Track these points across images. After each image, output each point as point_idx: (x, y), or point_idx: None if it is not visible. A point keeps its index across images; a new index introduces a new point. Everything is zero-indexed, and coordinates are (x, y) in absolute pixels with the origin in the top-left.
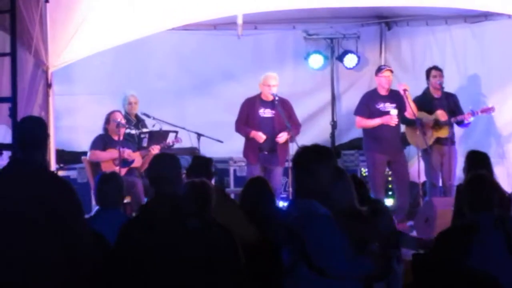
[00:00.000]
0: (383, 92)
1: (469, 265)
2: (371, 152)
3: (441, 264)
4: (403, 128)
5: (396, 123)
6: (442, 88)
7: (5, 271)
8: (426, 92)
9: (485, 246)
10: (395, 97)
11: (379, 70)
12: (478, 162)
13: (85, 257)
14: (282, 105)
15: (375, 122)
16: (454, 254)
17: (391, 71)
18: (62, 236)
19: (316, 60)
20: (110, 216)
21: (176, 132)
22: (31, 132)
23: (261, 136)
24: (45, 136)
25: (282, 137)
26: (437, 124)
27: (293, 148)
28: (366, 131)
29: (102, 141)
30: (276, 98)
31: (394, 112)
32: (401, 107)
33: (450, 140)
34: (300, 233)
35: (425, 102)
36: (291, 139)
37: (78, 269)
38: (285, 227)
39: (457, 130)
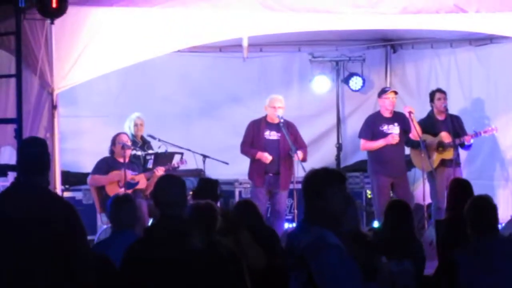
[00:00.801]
0: (386, 114)
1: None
2: (375, 175)
3: None
4: (407, 150)
5: (398, 141)
6: (446, 110)
7: None
8: (431, 115)
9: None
10: (399, 119)
11: (383, 92)
12: (463, 190)
13: (85, 278)
14: (288, 128)
15: (379, 143)
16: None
17: (396, 93)
18: (63, 257)
19: (322, 83)
20: (124, 239)
21: (182, 154)
22: (33, 155)
23: (267, 157)
24: (47, 158)
25: (299, 154)
26: (441, 146)
27: (298, 171)
28: (371, 154)
29: (106, 165)
30: (282, 120)
31: (396, 130)
32: (405, 129)
33: (455, 162)
34: (310, 261)
35: (429, 124)
36: (302, 159)
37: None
38: (295, 253)
39: (462, 152)
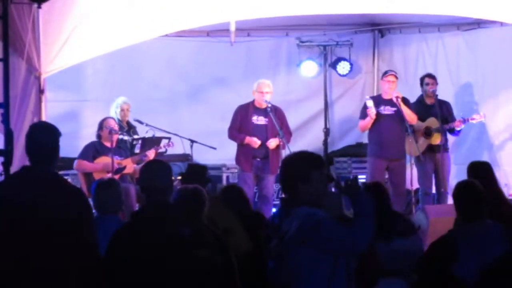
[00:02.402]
0: (386, 96)
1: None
2: (371, 157)
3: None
4: None
5: (373, 112)
6: (435, 95)
7: (13, 276)
8: (420, 100)
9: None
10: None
11: (384, 74)
12: (480, 173)
13: (91, 268)
14: (275, 113)
15: (366, 120)
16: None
17: (395, 77)
18: (73, 243)
19: (309, 67)
20: (108, 223)
21: (169, 138)
22: (41, 143)
23: (256, 142)
24: (57, 145)
25: (272, 142)
26: (429, 131)
27: (285, 154)
28: (370, 136)
29: (93, 150)
30: (269, 105)
31: (370, 103)
32: (402, 114)
33: (443, 147)
34: (312, 236)
35: (418, 109)
36: (283, 146)
37: (88, 275)
38: (285, 237)
39: (450, 138)
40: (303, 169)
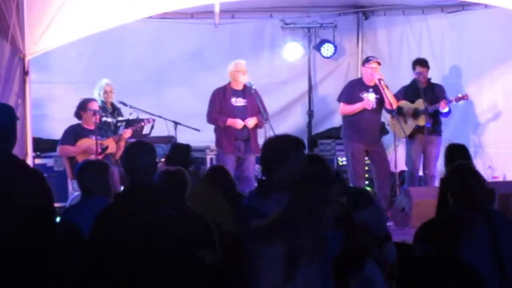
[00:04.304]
0: (368, 82)
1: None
2: (349, 141)
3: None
4: (383, 118)
5: (373, 106)
6: (428, 79)
7: None
8: (414, 82)
9: (471, 240)
10: (378, 88)
11: (366, 60)
12: (457, 154)
13: (47, 250)
14: (250, 94)
15: (356, 106)
16: (443, 246)
17: (379, 63)
18: (28, 226)
19: (293, 50)
20: (95, 205)
21: (153, 120)
22: None
23: (239, 123)
24: (13, 124)
25: (250, 121)
26: (416, 113)
27: (266, 136)
28: (346, 120)
29: (74, 134)
30: (253, 86)
31: (371, 96)
32: (383, 99)
33: (432, 130)
34: None
35: (411, 91)
36: (260, 125)
37: (44, 260)
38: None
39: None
40: (281, 151)
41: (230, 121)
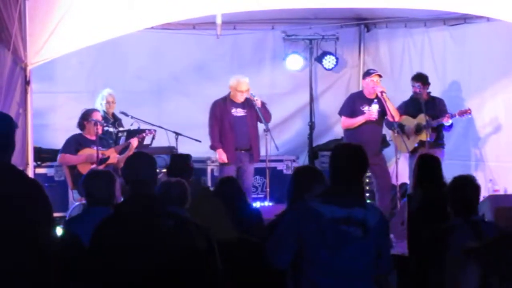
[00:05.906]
0: (369, 95)
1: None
2: None
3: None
4: (384, 131)
5: (376, 117)
6: (428, 93)
7: None
8: (413, 97)
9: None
10: (380, 101)
11: (367, 74)
12: (429, 166)
13: (46, 262)
14: (251, 105)
15: (358, 119)
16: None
17: (380, 76)
18: (26, 238)
19: (295, 61)
20: (98, 215)
21: (154, 131)
22: None
23: (223, 159)
24: (11, 133)
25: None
26: (419, 128)
27: (270, 149)
28: (348, 133)
29: (75, 143)
30: (255, 97)
31: (374, 107)
32: (384, 111)
33: (435, 143)
34: None
35: (412, 105)
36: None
37: (42, 270)
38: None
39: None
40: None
41: (218, 152)
